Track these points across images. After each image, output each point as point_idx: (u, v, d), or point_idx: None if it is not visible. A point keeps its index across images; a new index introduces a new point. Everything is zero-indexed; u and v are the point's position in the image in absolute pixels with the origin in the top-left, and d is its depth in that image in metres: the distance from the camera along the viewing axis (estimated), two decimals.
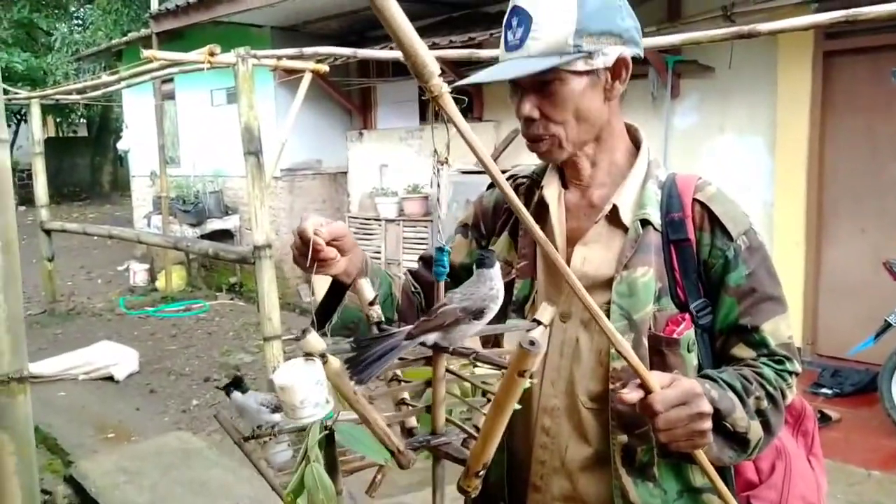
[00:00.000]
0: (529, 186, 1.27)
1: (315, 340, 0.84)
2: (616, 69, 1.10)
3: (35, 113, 7.53)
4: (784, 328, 1.13)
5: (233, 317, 7.46)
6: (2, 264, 2.10)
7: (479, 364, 0.99)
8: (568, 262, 1.16)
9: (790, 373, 1.12)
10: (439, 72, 0.76)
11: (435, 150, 0.94)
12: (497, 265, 0.96)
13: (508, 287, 1.17)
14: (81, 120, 20.64)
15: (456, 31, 6.02)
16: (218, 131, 8.12)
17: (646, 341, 1.10)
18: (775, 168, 5.00)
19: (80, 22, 16.75)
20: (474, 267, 0.96)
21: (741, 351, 1.13)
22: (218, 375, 5.55)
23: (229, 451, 3.85)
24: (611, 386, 1.10)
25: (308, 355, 0.84)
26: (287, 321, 5.97)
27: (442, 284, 1.00)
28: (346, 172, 8.21)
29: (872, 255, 4.59)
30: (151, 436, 4.42)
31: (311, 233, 1.03)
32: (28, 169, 10.42)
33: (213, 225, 8.19)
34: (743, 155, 5.16)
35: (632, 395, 0.97)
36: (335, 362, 0.86)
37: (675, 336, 1.10)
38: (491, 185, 1.34)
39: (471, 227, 1.35)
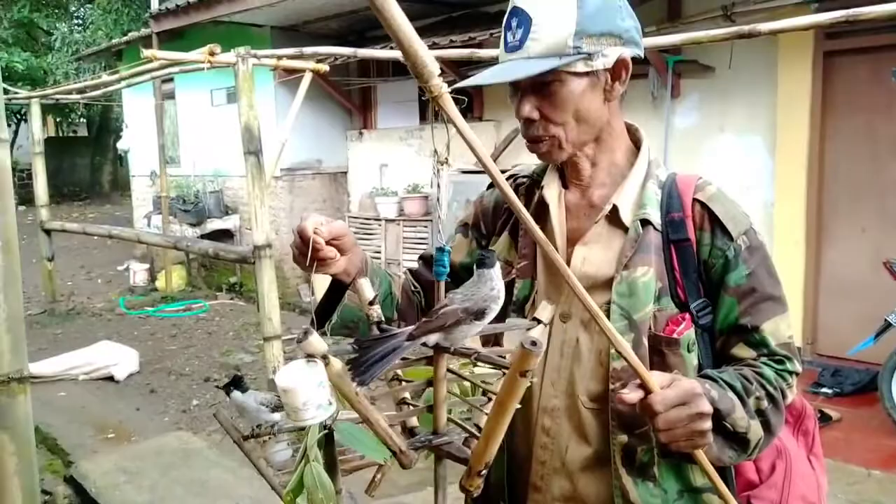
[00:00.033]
0: (530, 186, 1.27)
1: (317, 342, 0.84)
2: (616, 70, 1.10)
3: (35, 112, 7.53)
4: (784, 328, 1.13)
5: (233, 317, 7.46)
6: (2, 264, 2.09)
7: (478, 364, 0.99)
8: (568, 262, 1.16)
9: (790, 373, 1.12)
10: (439, 72, 0.76)
11: (435, 151, 0.94)
12: (497, 265, 0.96)
13: (509, 287, 1.17)
14: (81, 120, 20.64)
15: (456, 31, 6.02)
16: (218, 131, 8.12)
17: (646, 341, 1.10)
18: (775, 168, 5.00)
19: (81, 21, 16.76)
20: (475, 267, 0.96)
21: (741, 351, 1.13)
22: (218, 375, 5.55)
23: (229, 451, 3.85)
24: (611, 386, 1.10)
25: (310, 357, 0.84)
26: (287, 321, 5.97)
27: (442, 284, 1.00)
28: (346, 172, 8.21)
29: (872, 254, 4.60)
30: (151, 436, 4.43)
31: (310, 232, 1.03)
32: (28, 169, 10.42)
33: (213, 225, 8.19)
34: (743, 155, 5.16)
35: (632, 395, 0.97)
36: (337, 363, 0.86)
37: (675, 336, 1.10)
38: (491, 185, 1.34)
39: (471, 227, 1.35)
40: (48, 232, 7.48)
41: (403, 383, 1.04)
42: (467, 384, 1.06)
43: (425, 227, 6.94)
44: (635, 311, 1.10)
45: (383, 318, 1.08)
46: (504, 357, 0.99)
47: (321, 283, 1.15)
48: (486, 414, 0.97)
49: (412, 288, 1.32)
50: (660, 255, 1.13)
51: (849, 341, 4.38)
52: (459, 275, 1.25)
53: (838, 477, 3.39)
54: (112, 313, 7.78)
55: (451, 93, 0.78)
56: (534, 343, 0.82)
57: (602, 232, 1.16)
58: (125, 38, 9.50)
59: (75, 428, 4.66)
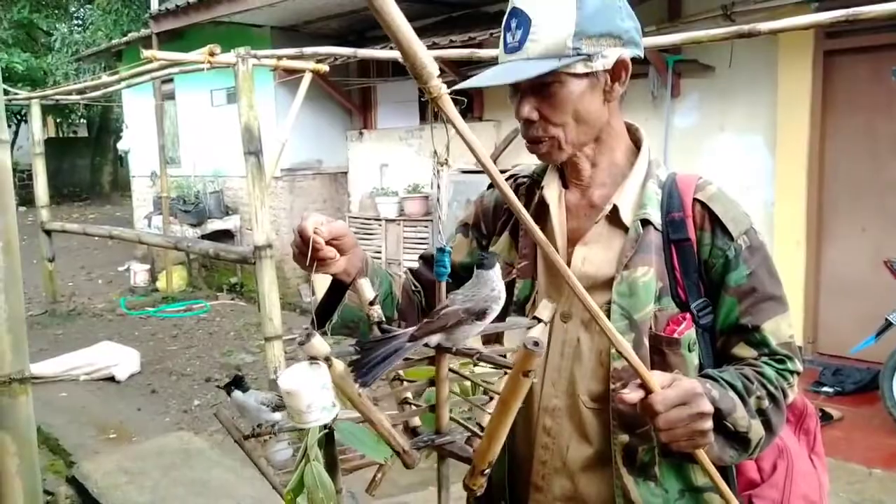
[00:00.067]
0: (530, 186, 1.27)
1: (319, 344, 0.84)
2: (616, 71, 1.10)
3: (35, 113, 7.53)
4: (785, 327, 1.13)
5: (234, 317, 7.47)
6: (3, 265, 2.10)
7: (479, 363, 0.99)
8: (568, 262, 1.16)
9: (791, 372, 1.12)
10: (438, 73, 0.76)
11: (435, 152, 0.94)
12: (497, 266, 0.96)
13: (509, 287, 1.17)
14: (81, 120, 20.66)
15: (456, 31, 6.02)
16: (218, 131, 8.12)
17: (647, 341, 1.10)
18: (776, 167, 5.00)
19: (80, 22, 16.76)
20: (475, 268, 0.97)
21: (742, 350, 1.13)
22: (219, 375, 5.56)
23: (231, 451, 3.85)
24: (612, 386, 1.10)
25: (313, 359, 0.84)
26: (288, 321, 5.97)
27: (443, 284, 1.01)
28: (346, 172, 8.21)
29: (873, 253, 4.59)
30: (153, 436, 4.43)
31: (310, 231, 1.03)
32: (28, 169, 10.43)
33: (214, 225, 8.19)
34: (743, 154, 5.16)
35: (632, 395, 0.97)
36: (339, 365, 0.86)
37: (675, 336, 1.10)
38: (492, 185, 1.34)
39: (471, 227, 1.35)
40: (49, 233, 7.48)
41: (405, 383, 1.05)
42: (467, 383, 1.06)
43: (426, 227, 6.94)
44: (636, 311, 1.10)
45: (384, 319, 1.08)
46: (505, 356, 0.99)
47: (322, 282, 1.16)
48: (489, 413, 0.98)
49: (412, 288, 1.32)
50: (660, 255, 1.13)
51: (850, 340, 4.38)
52: (460, 275, 1.25)
53: (839, 476, 3.40)
54: (113, 314, 7.78)
55: (450, 94, 0.78)
56: (536, 343, 0.83)
57: (602, 232, 1.16)
58: (125, 39, 9.51)
59: (77, 428, 4.66)
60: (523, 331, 1.08)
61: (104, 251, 11.36)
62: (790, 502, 1.17)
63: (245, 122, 4.25)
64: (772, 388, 1.09)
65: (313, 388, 0.83)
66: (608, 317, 1.08)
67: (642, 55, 1.14)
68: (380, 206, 7.33)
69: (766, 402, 1.08)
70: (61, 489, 3.74)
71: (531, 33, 1.05)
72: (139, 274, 8.89)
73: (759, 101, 5.01)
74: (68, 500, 3.69)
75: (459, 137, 0.80)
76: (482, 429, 0.97)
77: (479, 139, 0.81)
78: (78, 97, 8.01)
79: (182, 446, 4.15)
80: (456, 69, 5.79)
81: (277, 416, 1.10)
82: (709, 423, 0.99)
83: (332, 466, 0.99)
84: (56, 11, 16.03)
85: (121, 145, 10.96)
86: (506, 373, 0.98)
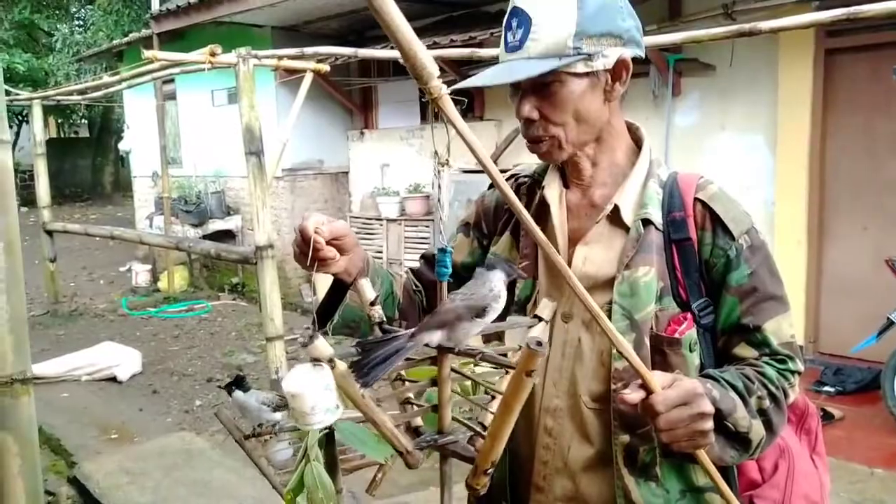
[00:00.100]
0: (531, 186, 1.27)
1: (323, 346, 0.84)
2: (616, 70, 1.09)
3: (36, 114, 7.54)
4: (786, 327, 1.12)
5: (235, 317, 7.47)
6: (4, 265, 2.10)
7: (479, 363, 0.99)
8: (569, 262, 1.16)
9: (792, 372, 1.12)
10: (438, 73, 0.76)
11: (435, 152, 0.94)
12: (500, 271, 0.96)
13: (510, 287, 1.17)
14: (83, 121, 20.68)
15: (457, 31, 6.02)
16: (219, 131, 8.13)
17: (647, 341, 1.10)
18: (776, 166, 4.99)
19: (81, 23, 16.78)
20: (484, 270, 0.97)
21: (743, 350, 1.13)
22: (221, 376, 5.56)
23: (232, 452, 3.85)
24: (613, 386, 1.10)
25: (316, 361, 0.84)
26: (289, 321, 5.97)
27: (445, 284, 1.01)
28: (347, 172, 8.21)
29: (874, 252, 4.59)
30: (154, 436, 4.43)
31: (311, 231, 1.03)
32: (30, 170, 10.44)
33: (215, 225, 8.20)
34: (744, 153, 5.16)
35: (633, 395, 0.97)
36: (341, 366, 0.86)
37: (676, 336, 1.10)
38: (493, 185, 1.34)
39: (472, 227, 1.35)
40: (50, 233, 7.49)
41: (407, 383, 1.05)
42: (467, 383, 1.06)
43: (427, 226, 6.94)
44: (637, 311, 1.10)
45: (385, 319, 1.08)
46: (506, 356, 0.99)
47: (323, 282, 1.16)
48: (491, 413, 0.98)
49: (413, 287, 1.32)
50: (661, 255, 1.12)
51: (851, 340, 4.37)
52: (461, 275, 1.25)
53: (841, 475, 3.39)
54: (114, 314, 7.79)
55: (451, 93, 0.78)
56: (539, 343, 0.83)
57: (603, 232, 1.16)
58: (126, 39, 9.51)
59: (78, 429, 4.67)
60: (524, 330, 1.08)
61: (106, 251, 11.37)
62: (791, 502, 1.16)
63: (246, 122, 4.26)
64: (773, 388, 1.08)
65: (317, 390, 0.83)
66: (609, 317, 1.08)
67: (643, 55, 1.13)
68: (381, 206, 7.33)
69: (767, 402, 1.08)
70: (63, 489, 3.75)
71: (532, 32, 1.05)
72: (141, 274, 8.90)
73: (760, 100, 5.01)
74: (70, 501, 3.69)
75: (460, 138, 0.80)
76: (484, 428, 0.97)
77: (479, 139, 0.81)
78: (79, 98, 8.01)
79: (184, 447, 4.15)
80: (457, 69, 5.79)
81: (278, 416, 1.10)
82: (709, 424, 0.98)
83: (332, 466, 0.99)
84: (57, 12, 16.05)
85: (122, 146, 10.97)
86: (507, 372, 0.98)
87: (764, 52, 4.85)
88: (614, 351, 1.09)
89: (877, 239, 4.69)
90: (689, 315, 1.11)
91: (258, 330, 6.38)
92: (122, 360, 5.66)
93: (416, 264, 1.37)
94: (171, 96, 9.07)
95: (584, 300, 0.89)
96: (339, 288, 1.15)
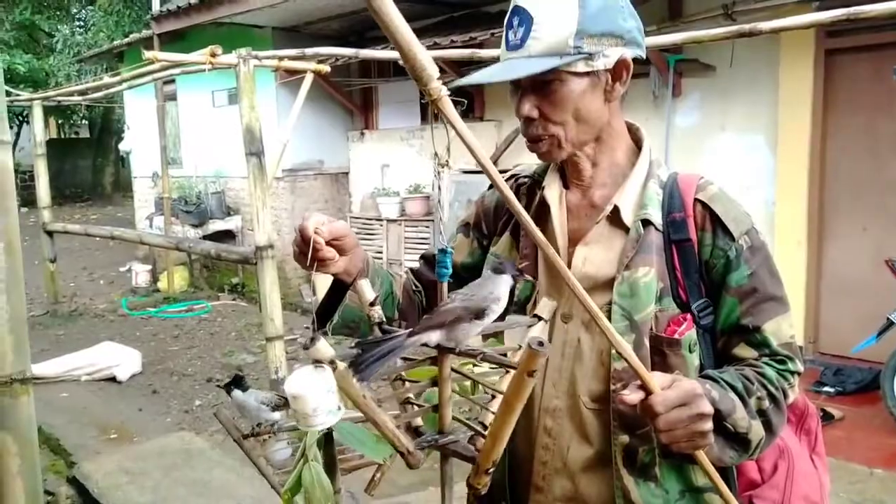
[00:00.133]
0: (531, 186, 1.27)
1: (324, 348, 0.84)
2: (617, 70, 1.09)
3: (37, 114, 7.54)
4: (786, 328, 1.12)
5: (235, 317, 7.47)
6: (5, 266, 2.10)
7: (479, 363, 0.99)
8: (569, 262, 1.16)
9: (792, 372, 1.12)
10: (438, 74, 0.76)
11: (435, 153, 0.95)
12: (506, 276, 0.97)
13: (511, 289, 1.17)
14: (83, 121, 20.69)
15: (457, 31, 6.02)
16: (219, 132, 8.13)
17: (647, 342, 1.10)
18: (777, 166, 4.99)
19: (82, 23, 16.78)
20: (490, 272, 0.97)
21: (743, 351, 1.13)
22: (220, 376, 5.56)
23: (232, 452, 3.85)
24: (612, 386, 1.10)
25: (317, 362, 0.85)
26: (289, 321, 5.98)
27: (445, 285, 1.01)
28: (347, 173, 8.21)
29: (874, 253, 4.59)
30: (154, 436, 4.43)
31: (311, 231, 1.03)
32: (30, 170, 10.44)
33: (215, 225, 8.20)
34: (744, 153, 5.16)
35: (632, 396, 0.97)
36: (341, 366, 0.86)
37: (676, 336, 1.10)
38: (493, 185, 1.34)
39: (472, 227, 1.35)
40: (50, 233, 7.49)
41: (407, 384, 1.05)
42: (466, 383, 1.06)
43: (427, 227, 6.94)
44: (636, 312, 1.10)
45: (384, 319, 1.08)
46: (505, 355, 0.99)
47: (323, 282, 1.16)
48: (492, 412, 0.98)
49: (413, 287, 1.32)
50: (661, 256, 1.12)
51: (851, 340, 4.37)
52: (461, 275, 1.25)
53: (840, 476, 3.39)
54: (114, 314, 7.79)
55: (451, 92, 0.78)
56: (540, 343, 0.83)
57: (603, 232, 1.16)
58: (126, 40, 9.52)
59: (78, 429, 4.67)
60: (523, 329, 1.08)
61: (106, 252, 11.37)
62: (791, 503, 1.16)
63: (246, 122, 4.26)
64: (772, 389, 1.08)
65: (319, 392, 0.84)
66: (609, 317, 1.08)
67: (644, 55, 1.13)
68: (381, 207, 7.33)
69: (766, 403, 1.07)
70: (62, 489, 3.75)
71: (533, 31, 1.05)
72: (141, 274, 8.90)
73: (761, 100, 5.01)
74: (69, 501, 3.69)
75: (459, 139, 0.80)
76: (485, 428, 0.97)
77: (479, 139, 0.81)
78: (79, 98, 8.02)
79: (183, 446, 4.15)
80: (457, 69, 5.79)
81: (277, 415, 1.10)
82: (709, 425, 0.98)
83: (330, 466, 0.99)
84: (58, 13, 16.05)
85: (122, 146, 10.97)
86: (507, 372, 0.98)
87: (764, 52, 4.85)
88: (614, 351, 1.08)
89: (877, 239, 4.69)
90: (688, 316, 1.11)
91: (258, 330, 6.38)
92: (121, 360, 5.66)
93: (416, 264, 1.37)
94: (172, 97, 9.08)
95: (583, 301, 0.89)
96: (339, 288, 1.15)
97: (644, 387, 0.97)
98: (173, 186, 8.49)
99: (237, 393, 1.14)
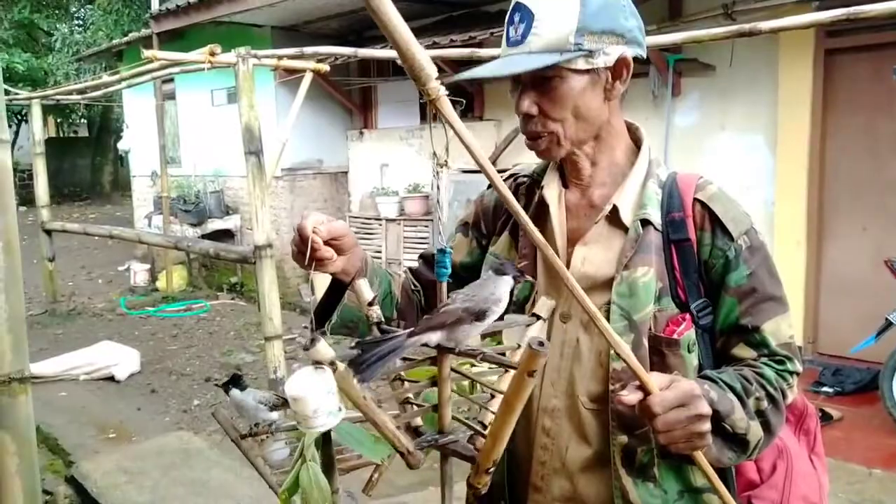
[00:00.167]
0: (530, 186, 1.27)
1: (324, 349, 0.84)
2: (617, 69, 1.09)
3: (36, 113, 7.53)
4: (785, 328, 1.12)
5: (234, 316, 7.47)
6: (3, 265, 2.10)
7: (478, 363, 0.99)
8: (568, 262, 1.16)
9: (791, 373, 1.12)
10: (436, 74, 0.76)
11: (434, 153, 0.94)
12: (507, 277, 0.97)
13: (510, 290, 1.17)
14: (82, 120, 20.67)
15: (456, 31, 6.02)
16: (218, 131, 8.12)
17: (646, 342, 1.09)
18: (776, 166, 5.00)
19: (81, 22, 16.78)
20: (490, 272, 0.97)
21: (742, 351, 1.12)
22: (219, 375, 5.56)
23: (230, 451, 3.84)
24: (611, 387, 1.10)
25: (317, 364, 0.84)
26: (288, 321, 5.97)
27: (444, 285, 1.01)
28: (346, 172, 8.21)
29: (874, 253, 4.59)
30: (152, 436, 4.43)
31: (309, 231, 1.03)
32: (29, 169, 10.43)
33: (214, 225, 8.20)
34: (744, 153, 5.16)
35: (630, 396, 0.97)
36: (342, 367, 0.86)
37: (675, 336, 1.10)
38: (491, 185, 1.34)
39: (471, 226, 1.34)
40: (49, 232, 7.49)
41: (406, 384, 1.05)
42: (465, 382, 1.06)
43: (426, 226, 6.94)
44: (635, 312, 1.10)
45: (383, 319, 1.08)
46: (504, 355, 0.99)
47: (321, 282, 1.15)
48: (492, 412, 0.98)
49: (412, 287, 1.32)
50: (660, 255, 1.12)
51: (850, 340, 4.37)
52: (460, 275, 1.25)
53: (839, 476, 3.39)
54: (113, 313, 7.79)
55: (451, 88, 0.78)
56: (541, 343, 0.83)
57: (602, 232, 1.16)
58: (126, 39, 9.51)
59: (76, 428, 4.66)
60: (522, 328, 1.08)
61: (104, 251, 11.37)
62: (790, 503, 1.16)
63: (245, 121, 4.25)
64: (771, 390, 1.08)
65: (319, 394, 0.83)
66: (608, 317, 1.08)
67: (645, 55, 1.13)
68: (380, 206, 7.33)
69: (764, 404, 1.07)
70: (60, 489, 3.74)
71: (534, 27, 1.05)
72: (139, 273, 8.90)
73: (760, 100, 5.01)
74: (67, 500, 3.69)
75: (458, 139, 0.80)
76: (484, 427, 0.97)
77: (479, 139, 0.81)
78: (78, 97, 8.02)
79: (181, 446, 4.15)
80: (456, 69, 5.78)
81: (275, 415, 1.09)
82: (707, 425, 0.98)
83: (328, 467, 0.98)
84: (57, 12, 16.04)
85: (121, 145, 10.97)
86: (506, 371, 0.98)
87: (764, 52, 4.85)
88: (612, 352, 1.08)
89: (876, 239, 4.69)
90: (687, 316, 1.11)
91: (257, 329, 6.38)
92: (120, 359, 5.66)
93: (415, 264, 1.37)
94: (171, 96, 9.07)
95: (581, 301, 0.88)
96: (338, 288, 1.15)
97: (642, 387, 0.97)
98: (172, 185, 8.49)
99: (235, 392, 1.14)
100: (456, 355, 0.95)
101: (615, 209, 1.14)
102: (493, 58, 1.17)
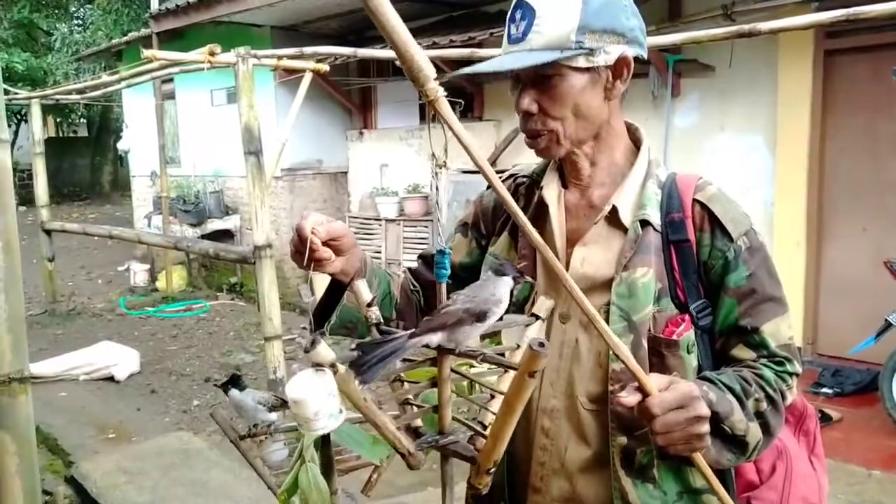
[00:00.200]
0: (529, 186, 1.27)
1: (325, 351, 0.84)
2: (617, 68, 1.09)
3: (35, 113, 7.53)
4: (784, 329, 1.12)
5: (233, 317, 7.47)
6: (3, 265, 2.09)
7: (474, 364, 0.99)
8: (567, 262, 1.16)
9: (790, 374, 1.12)
10: (435, 75, 0.76)
11: (433, 154, 0.94)
12: (507, 278, 0.97)
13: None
14: (81, 120, 20.67)
15: (456, 31, 6.02)
16: (218, 131, 8.12)
17: (645, 343, 1.09)
18: (776, 167, 4.99)
19: (81, 22, 16.77)
20: (490, 272, 0.97)
21: (741, 352, 1.12)
22: (219, 376, 5.55)
23: (230, 452, 3.84)
24: (610, 387, 1.10)
25: (318, 366, 0.84)
26: (288, 321, 5.97)
27: (444, 286, 1.01)
28: (346, 172, 8.21)
29: (873, 254, 4.59)
30: (152, 436, 4.43)
31: (308, 231, 1.03)
32: (28, 169, 10.43)
33: (214, 225, 8.19)
34: (743, 154, 5.16)
35: (629, 398, 0.97)
36: (342, 369, 0.86)
37: (674, 337, 1.09)
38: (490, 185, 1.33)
39: (471, 227, 1.34)
40: (48, 232, 7.48)
41: (406, 385, 1.05)
42: (464, 383, 1.06)
43: (426, 227, 6.94)
44: (635, 313, 1.09)
45: (381, 320, 1.08)
46: (503, 355, 0.99)
47: (321, 282, 1.15)
48: (492, 413, 0.98)
49: (411, 287, 1.32)
50: (659, 256, 1.12)
51: (849, 341, 4.37)
52: (459, 275, 1.25)
53: (839, 477, 3.39)
54: (113, 313, 7.78)
55: (450, 88, 0.78)
56: (541, 344, 0.83)
57: (601, 232, 1.16)
58: (125, 39, 9.51)
59: (76, 428, 4.66)
60: (521, 328, 1.08)
61: (104, 251, 11.36)
62: None
63: (245, 121, 4.25)
64: (770, 391, 1.08)
65: (320, 396, 0.83)
66: (607, 318, 1.08)
67: (645, 55, 1.13)
68: (380, 206, 7.33)
69: (764, 405, 1.07)
70: (60, 489, 3.74)
71: (535, 24, 1.05)
72: (139, 274, 8.89)
73: (760, 100, 5.01)
74: (67, 500, 3.69)
75: (457, 140, 0.80)
76: (485, 428, 0.97)
77: (478, 139, 0.81)
78: (78, 97, 8.02)
79: (181, 446, 4.15)
80: (456, 69, 5.78)
81: (274, 416, 1.09)
82: (706, 427, 0.98)
83: (327, 467, 0.98)
84: (56, 11, 16.04)
85: (121, 145, 10.96)
86: (506, 371, 0.98)
87: (763, 53, 4.85)
88: (612, 352, 1.08)
89: (876, 240, 4.69)
90: (686, 317, 1.11)
91: (256, 330, 6.38)
92: (120, 359, 5.66)
93: (414, 264, 1.37)
94: (171, 96, 9.07)
95: (580, 302, 0.88)
96: (337, 288, 1.15)
97: (641, 388, 0.96)
98: (172, 185, 8.48)
99: (234, 392, 1.14)
100: (456, 356, 0.95)
101: (614, 210, 1.14)
102: (493, 58, 1.17)
